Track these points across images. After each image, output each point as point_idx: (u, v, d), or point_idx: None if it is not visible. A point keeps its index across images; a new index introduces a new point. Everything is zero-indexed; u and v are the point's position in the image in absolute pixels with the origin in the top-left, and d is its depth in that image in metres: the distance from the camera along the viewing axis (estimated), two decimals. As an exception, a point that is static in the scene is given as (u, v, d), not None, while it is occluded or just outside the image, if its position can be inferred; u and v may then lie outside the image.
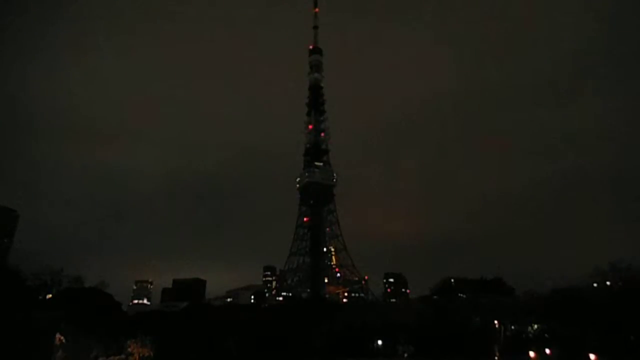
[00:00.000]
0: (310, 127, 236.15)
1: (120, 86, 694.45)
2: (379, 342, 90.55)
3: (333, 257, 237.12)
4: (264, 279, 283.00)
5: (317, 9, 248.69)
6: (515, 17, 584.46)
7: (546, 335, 78.03)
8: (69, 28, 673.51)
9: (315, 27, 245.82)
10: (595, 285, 78.89)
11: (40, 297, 76.05)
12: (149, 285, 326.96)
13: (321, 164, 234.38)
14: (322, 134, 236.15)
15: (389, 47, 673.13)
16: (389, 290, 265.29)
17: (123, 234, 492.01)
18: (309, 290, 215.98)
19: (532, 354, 69.58)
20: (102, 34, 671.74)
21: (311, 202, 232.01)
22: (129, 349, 66.71)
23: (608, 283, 77.25)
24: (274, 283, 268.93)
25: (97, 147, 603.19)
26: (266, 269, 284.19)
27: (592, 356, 61.23)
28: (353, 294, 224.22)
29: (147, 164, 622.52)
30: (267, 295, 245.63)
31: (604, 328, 65.06)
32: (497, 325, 79.73)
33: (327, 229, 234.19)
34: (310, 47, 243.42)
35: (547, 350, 70.58)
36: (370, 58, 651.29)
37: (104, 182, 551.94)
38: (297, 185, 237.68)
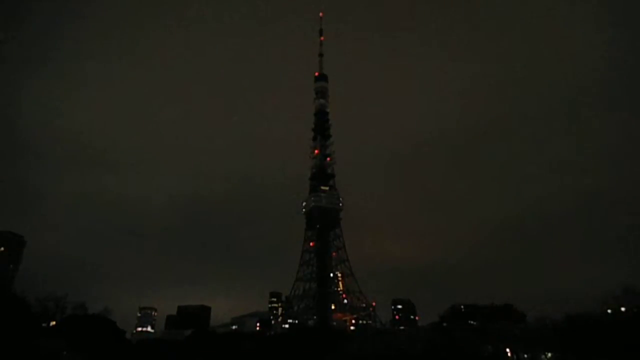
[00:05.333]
0: (316, 152, 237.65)
1: (123, 114, 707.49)
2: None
3: (340, 283, 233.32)
4: (269, 305, 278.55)
5: (322, 38, 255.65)
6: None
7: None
8: (71, 51, 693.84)
9: (321, 55, 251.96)
10: (609, 311, 76.67)
11: (44, 325, 75.50)
12: (153, 312, 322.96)
13: (327, 188, 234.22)
14: (328, 159, 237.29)
15: (395, 77, 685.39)
16: (397, 317, 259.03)
17: (128, 260, 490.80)
18: (315, 317, 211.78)
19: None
20: (102, 61, 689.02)
21: (317, 226, 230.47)
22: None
23: (623, 309, 75.04)
24: (280, 309, 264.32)
25: (102, 175, 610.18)
26: (272, 295, 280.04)
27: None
28: (360, 321, 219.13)
29: (152, 191, 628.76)
30: (273, 322, 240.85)
31: (619, 355, 62.72)
32: (509, 354, 77.41)
33: (334, 254, 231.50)
34: (316, 74, 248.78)
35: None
36: (377, 86, 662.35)
37: (109, 209, 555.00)
38: (303, 210, 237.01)
